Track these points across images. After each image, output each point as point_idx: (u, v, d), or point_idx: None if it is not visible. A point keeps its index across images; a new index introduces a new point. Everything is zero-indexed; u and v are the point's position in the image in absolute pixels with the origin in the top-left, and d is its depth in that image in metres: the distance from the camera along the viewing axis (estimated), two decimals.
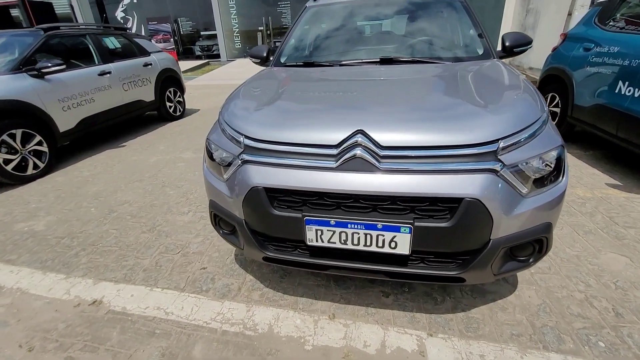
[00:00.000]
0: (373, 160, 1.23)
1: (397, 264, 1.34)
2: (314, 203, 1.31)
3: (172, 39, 13.94)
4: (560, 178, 1.30)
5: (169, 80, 5.73)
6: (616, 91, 2.83)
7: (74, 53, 4.26)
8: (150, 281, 1.96)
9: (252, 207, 1.37)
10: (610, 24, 3.19)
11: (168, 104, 5.74)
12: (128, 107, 4.84)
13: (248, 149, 1.40)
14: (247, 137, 1.40)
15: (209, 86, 9.14)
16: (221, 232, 1.68)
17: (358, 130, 1.25)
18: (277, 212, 1.33)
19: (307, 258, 1.42)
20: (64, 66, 3.73)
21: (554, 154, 1.25)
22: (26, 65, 3.56)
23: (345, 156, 1.25)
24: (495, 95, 1.44)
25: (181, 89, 6.04)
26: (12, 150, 3.35)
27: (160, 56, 5.64)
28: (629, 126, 2.70)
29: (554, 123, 1.99)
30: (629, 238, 2.08)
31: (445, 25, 2.33)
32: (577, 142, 3.74)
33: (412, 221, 1.19)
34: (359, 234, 1.26)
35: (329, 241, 1.30)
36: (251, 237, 1.45)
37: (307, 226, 1.29)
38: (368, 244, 1.27)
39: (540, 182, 1.26)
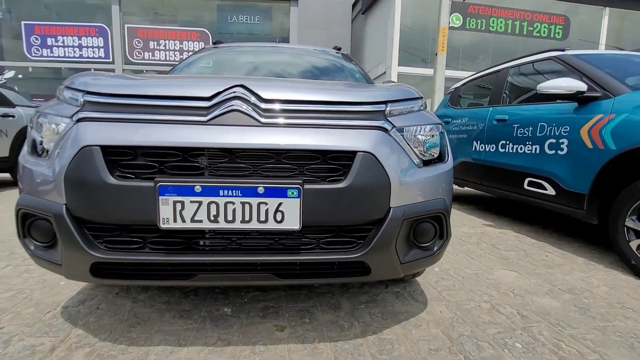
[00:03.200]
0: (254, 114, 1.03)
1: (287, 252, 1.04)
2: (174, 166, 0.98)
3: None
4: (446, 158, 1.30)
5: None
6: (473, 149, 3.44)
7: None
8: None
9: (80, 179, 0.95)
10: (458, 104, 4.11)
11: None
12: None
13: (88, 105, 1.05)
14: (88, 92, 1.07)
15: None
16: (32, 247, 1.12)
17: (237, 85, 1.07)
18: (116, 182, 0.94)
19: (162, 255, 0.99)
20: None
21: (436, 128, 1.26)
22: None
23: (219, 109, 1.02)
24: (380, 84, 1.49)
25: None
26: None
27: (30, 111, 4.84)
28: (489, 174, 3.21)
29: None
30: (512, 258, 2.20)
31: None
32: (455, 200, 4.26)
33: (301, 181, 0.96)
34: (234, 203, 0.95)
35: (192, 219, 0.94)
36: (72, 230, 0.97)
37: (161, 198, 0.93)
38: (247, 217, 0.96)
39: (428, 157, 1.23)
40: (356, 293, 1.66)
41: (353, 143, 1.02)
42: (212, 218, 0.95)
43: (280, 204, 0.96)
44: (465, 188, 3.97)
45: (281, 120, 1.03)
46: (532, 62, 3.03)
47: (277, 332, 1.31)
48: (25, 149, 1.20)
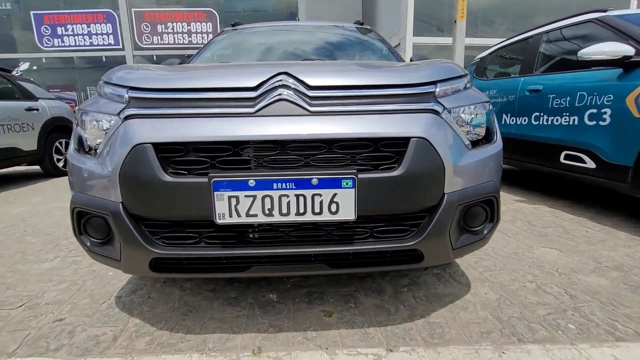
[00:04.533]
0: (302, 102, 0.99)
1: (342, 242, 1.03)
2: (226, 161, 0.97)
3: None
4: (494, 137, 1.24)
5: (61, 130, 4.93)
6: (502, 122, 3.30)
7: None
8: None
9: (135, 178, 0.96)
10: (484, 75, 3.92)
11: (57, 156, 4.85)
12: None
13: (133, 102, 1.03)
14: (132, 88, 1.05)
15: None
16: (89, 244, 1.15)
17: (282, 72, 1.03)
18: (171, 179, 0.94)
19: (218, 249, 1.00)
20: None
21: (484, 107, 1.19)
22: None
23: (266, 99, 0.99)
24: (421, 62, 1.41)
25: None
26: None
27: (52, 103, 4.92)
28: (520, 148, 3.10)
29: None
30: (551, 235, 2.15)
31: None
32: None
33: (355, 171, 0.94)
34: (288, 196, 0.93)
35: (247, 213, 0.94)
36: (131, 228, 0.98)
37: (216, 193, 0.92)
38: (301, 210, 0.94)
39: (478, 138, 1.17)
40: (396, 276, 1.66)
41: (406, 129, 0.98)
42: (267, 212, 0.94)
43: (335, 195, 0.94)
44: None
45: (330, 108, 0.99)
46: (569, 25, 2.82)
47: (325, 317, 1.33)
48: (72, 146, 1.21)
